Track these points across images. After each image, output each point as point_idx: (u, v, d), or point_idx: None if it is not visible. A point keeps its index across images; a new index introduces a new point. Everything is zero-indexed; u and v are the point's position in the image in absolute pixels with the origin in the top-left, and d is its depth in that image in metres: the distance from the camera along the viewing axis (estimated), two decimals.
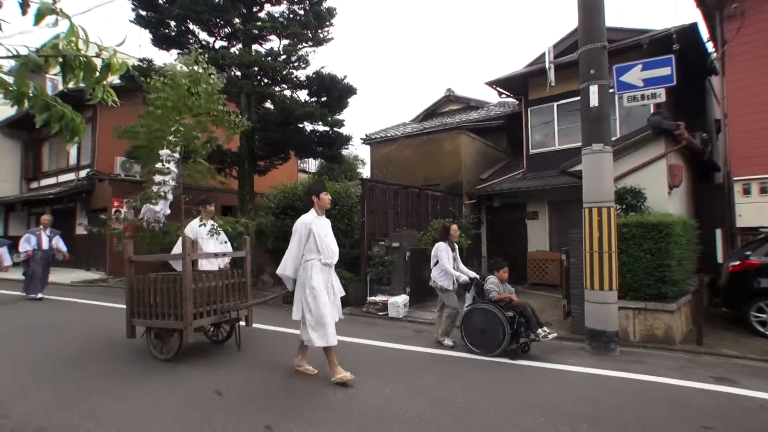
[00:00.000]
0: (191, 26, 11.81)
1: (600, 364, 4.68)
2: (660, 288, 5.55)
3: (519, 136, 12.03)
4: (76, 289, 10.15)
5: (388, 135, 14.35)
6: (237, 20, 11.56)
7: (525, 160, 11.61)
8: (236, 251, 5.48)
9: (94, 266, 13.78)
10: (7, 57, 1.94)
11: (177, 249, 5.15)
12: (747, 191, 7.97)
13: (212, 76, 4.84)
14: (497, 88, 12.04)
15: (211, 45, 11.92)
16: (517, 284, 8.90)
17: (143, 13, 11.46)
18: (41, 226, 9.17)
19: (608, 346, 5.12)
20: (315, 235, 3.99)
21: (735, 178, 8.11)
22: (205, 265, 5.41)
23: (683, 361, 4.90)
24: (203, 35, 12.10)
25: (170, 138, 4.70)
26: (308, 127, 12.22)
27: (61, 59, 1.91)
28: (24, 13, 1.80)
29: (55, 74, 2.00)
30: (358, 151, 26.77)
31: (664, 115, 7.26)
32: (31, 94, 1.99)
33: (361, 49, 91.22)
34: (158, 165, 4.98)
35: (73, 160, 15.43)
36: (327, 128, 12.18)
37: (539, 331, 4.81)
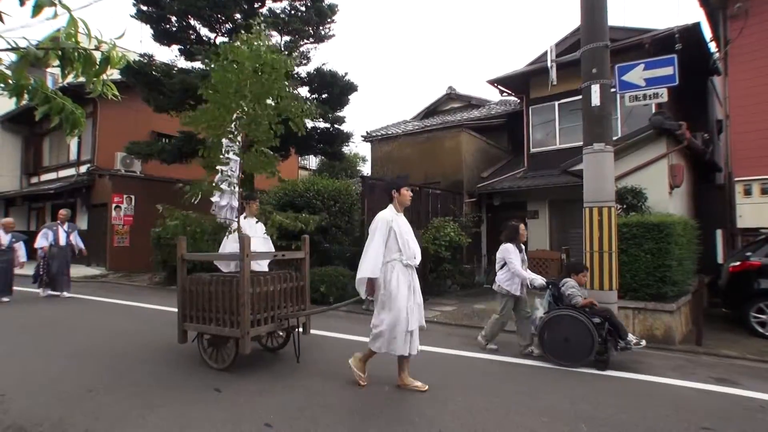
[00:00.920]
0: (192, 21, 11.81)
1: None
2: (660, 288, 5.55)
3: (520, 134, 12.02)
4: (77, 284, 10.14)
5: (389, 133, 14.31)
6: (238, 16, 11.55)
7: (526, 158, 11.60)
8: (295, 252, 4.87)
9: (95, 261, 13.80)
10: (7, 50, 1.93)
11: (227, 248, 4.85)
12: (748, 192, 7.97)
13: (279, 56, 4.25)
14: (498, 87, 12.02)
15: (212, 41, 11.91)
16: None
17: (144, 8, 11.46)
18: (59, 221, 8.90)
19: None
20: (396, 234, 3.69)
21: (736, 179, 8.10)
22: (253, 266, 4.85)
23: (683, 361, 4.89)
24: (204, 31, 12.11)
25: (232, 125, 4.31)
26: (309, 123, 12.22)
27: (60, 52, 1.90)
28: (22, 4, 1.79)
29: (56, 66, 1.98)
30: (359, 148, 26.71)
31: (666, 115, 7.25)
32: (30, 87, 1.99)
33: (362, 47, 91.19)
34: (220, 156, 4.50)
35: (73, 156, 15.44)
36: (328, 125, 12.17)
37: (630, 338, 4.43)
